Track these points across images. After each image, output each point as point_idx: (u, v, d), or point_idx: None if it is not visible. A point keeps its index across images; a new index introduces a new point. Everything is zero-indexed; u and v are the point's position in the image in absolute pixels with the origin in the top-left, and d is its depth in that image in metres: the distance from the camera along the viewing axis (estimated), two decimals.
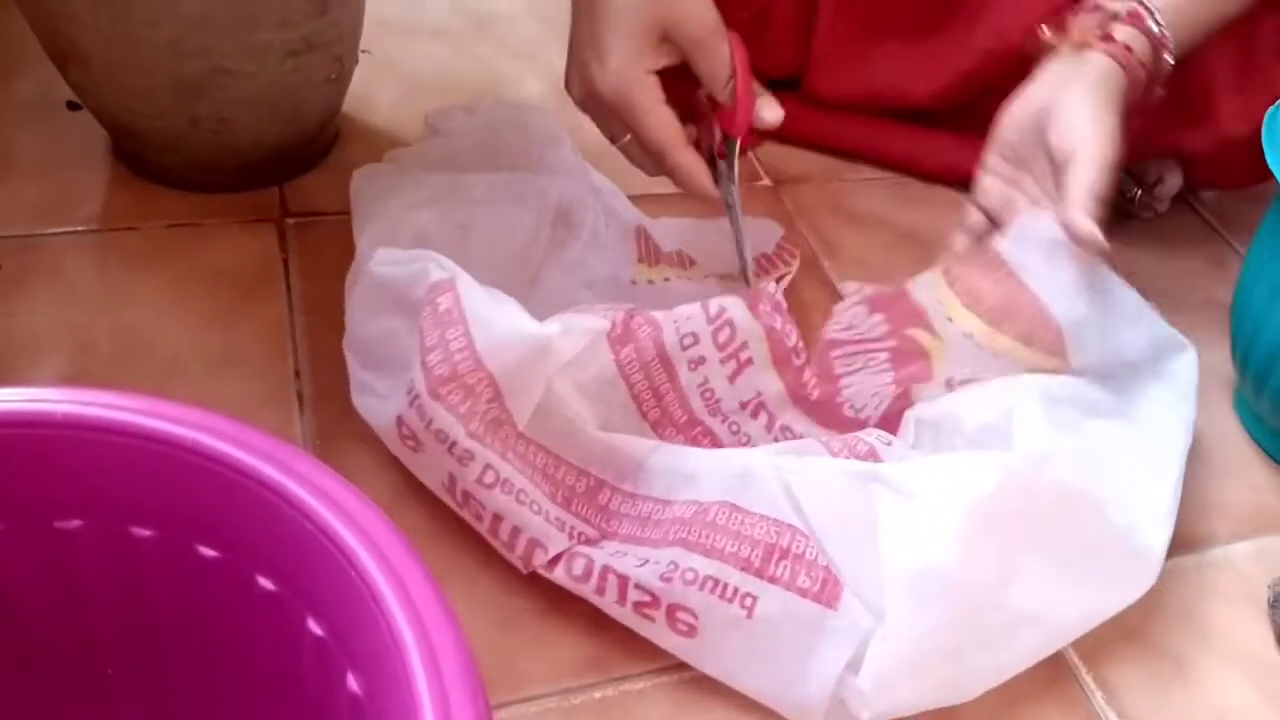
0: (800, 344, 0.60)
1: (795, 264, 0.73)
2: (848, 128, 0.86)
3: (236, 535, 0.34)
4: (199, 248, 0.68)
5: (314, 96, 0.70)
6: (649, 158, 0.60)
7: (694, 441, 0.58)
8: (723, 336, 0.58)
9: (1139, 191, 0.86)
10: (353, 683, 0.32)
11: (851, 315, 0.61)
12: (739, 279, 0.70)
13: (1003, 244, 0.60)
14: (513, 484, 0.51)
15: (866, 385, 0.61)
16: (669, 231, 0.71)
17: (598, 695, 0.51)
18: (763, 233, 0.73)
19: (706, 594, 0.48)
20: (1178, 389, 0.61)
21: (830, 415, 0.61)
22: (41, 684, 0.38)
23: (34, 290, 0.63)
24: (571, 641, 0.52)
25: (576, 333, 0.53)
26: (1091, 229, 0.57)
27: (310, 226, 0.71)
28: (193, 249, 0.68)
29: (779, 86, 0.66)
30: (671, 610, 0.49)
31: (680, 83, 0.59)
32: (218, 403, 0.58)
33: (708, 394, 0.58)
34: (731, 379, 0.59)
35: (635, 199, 0.71)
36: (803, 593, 0.48)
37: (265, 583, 0.34)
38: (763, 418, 0.60)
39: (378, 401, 0.55)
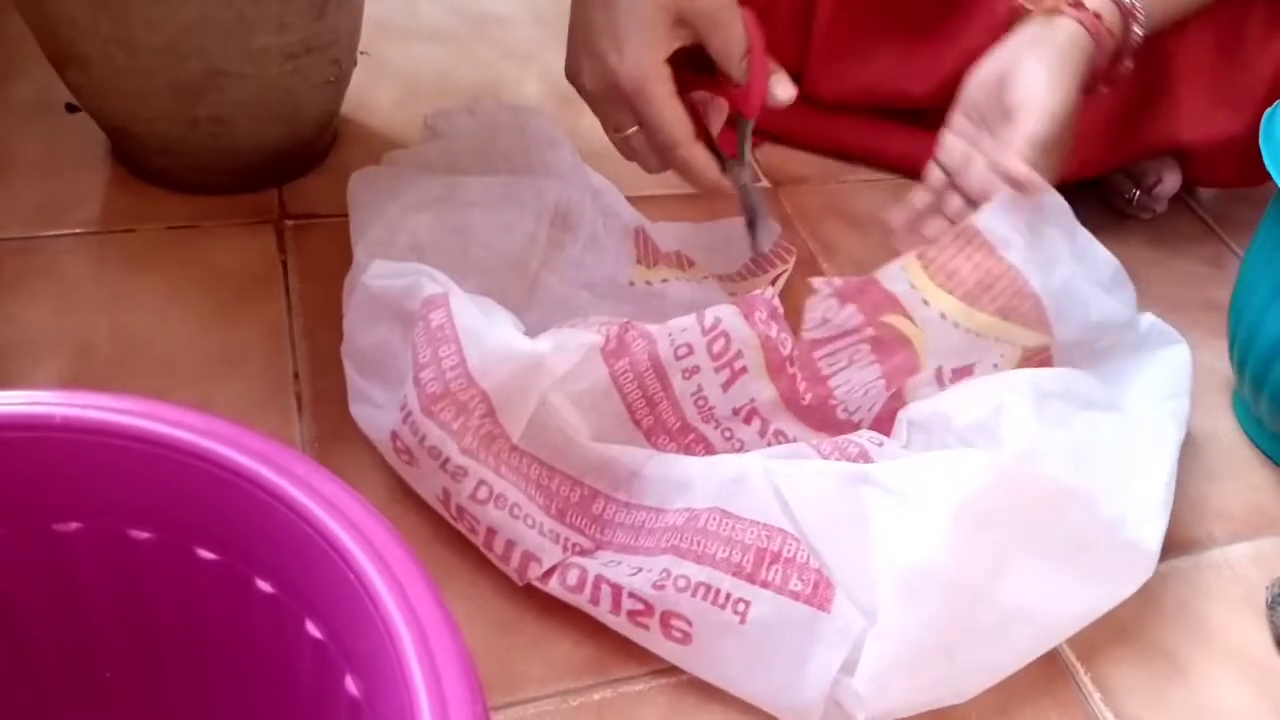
0: (795, 351, 0.60)
1: (792, 261, 0.73)
2: (846, 128, 0.86)
3: (235, 538, 0.34)
4: (198, 250, 0.68)
5: (312, 99, 0.70)
6: (655, 152, 0.60)
7: (687, 448, 0.59)
8: (717, 346, 0.58)
9: (1137, 192, 0.86)
10: (351, 685, 0.32)
11: (824, 309, 0.60)
12: (735, 280, 0.70)
13: (981, 219, 0.60)
14: (506, 498, 0.51)
15: (856, 381, 0.60)
16: (668, 234, 0.71)
17: (596, 697, 0.51)
18: (761, 232, 0.73)
19: (699, 601, 0.49)
20: (1170, 382, 0.61)
21: (824, 419, 0.61)
22: (39, 686, 0.38)
23: (33, 292, 0.63)
24: (569, 644, 0.52)
25: (569, 349, 0.53)
26: (1026, 171, 0.58)
27: (309, 228, 0.71)
28: (191, 251, 0.68)
29: None
30: (665, 618, 0.49)
31: (678, 76, 0.59)
32: (216, 405, 0.59)
33: (701, 401, 0.59)
34: (725, 386, 0.59)
35: (634, 200, 0.71)
36: (795, 596, 0.48)
37: (263, 585, 0.34)
38: (756, 423, 0.60)
39: (375, 412, 0.55)
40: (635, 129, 0.59)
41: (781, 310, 0.60)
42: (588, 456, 0.54)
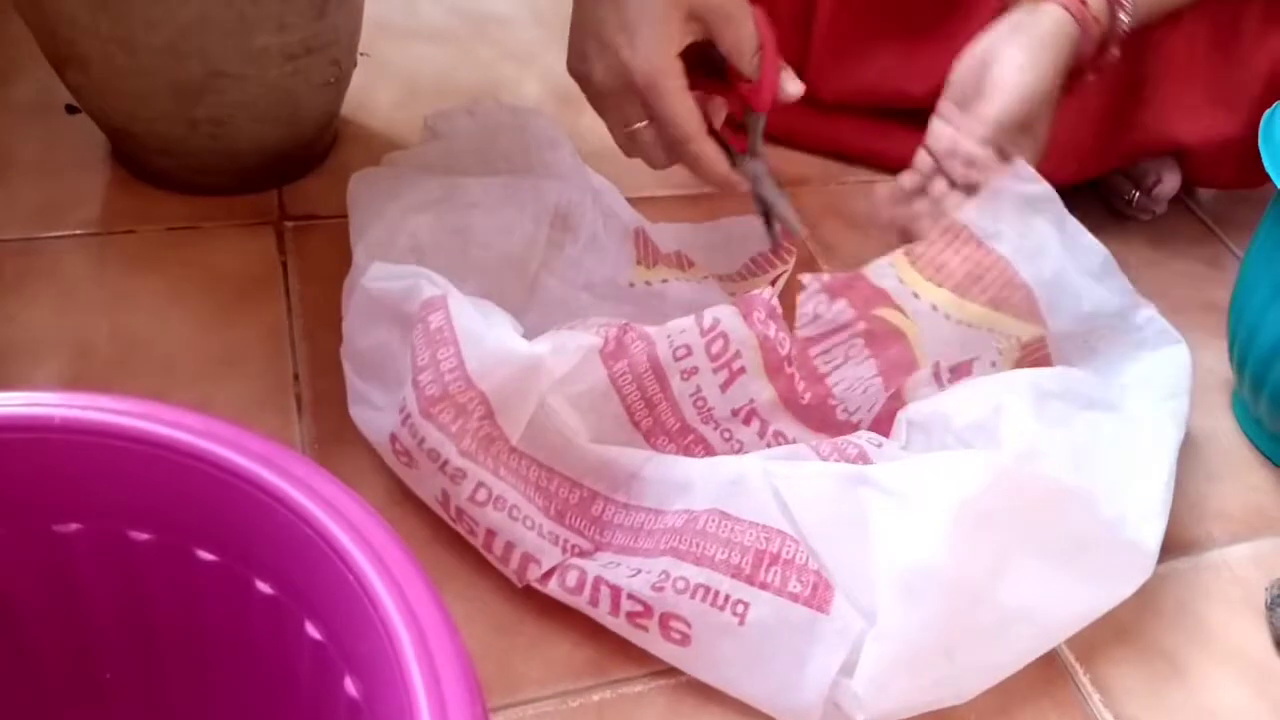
0: (794, 351, 0.60)
1: (792, 261, 0.73)
2: (846, 129, 0.86)
3: (234, 539, 0.34)
4: (198, 251, 0.68)
5: (312, 100, 0.70)
6: (664, 147, 0.60)
7: (687, 449, 0.59)
8: (716, 348, 0.58)
9: (1137, 193, 0.86)
10: (350, 686, 0.32)
11: (814, 305, 0.61)
12: (735, 280, 0.70)
13: (969, 213, 0.60)
14: (505, 500, 0.51)
15: (853, 378, 0.61)
16: (668, 234, 0.71)
17: (595, 698, 0.51)
18: (760, 231, 0.73)
19: (698, 602, 0.49)
20: (1170, 382, 0.61)
21: (823, 419, 0.61)
22: (39, 687, 0.38)
23: (33, 293, 0.63)
24: (569, 645, 0.52)
25: (568, 350, 0.53)
26: (978, 150, 0.59)
27: (309, 229, 0.71)
28: (191, 252, 0.68)
29: None
30: (664, 619, 0.49)
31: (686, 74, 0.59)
32: (216, 406, 0.59)
33: (700, 402, 0.59)
34: (724, 387, 0.59)
35: (634, 201, 0.71)
36: (794, 598, 0.48)
37: (263, 586, 0.34)
38: (755, 424, 0.60)
39: (374, 414, 0.55)
40: (644, 124, 0.59)
41: (780, 310, 0.60)
42: (586, 458, 0.54)
